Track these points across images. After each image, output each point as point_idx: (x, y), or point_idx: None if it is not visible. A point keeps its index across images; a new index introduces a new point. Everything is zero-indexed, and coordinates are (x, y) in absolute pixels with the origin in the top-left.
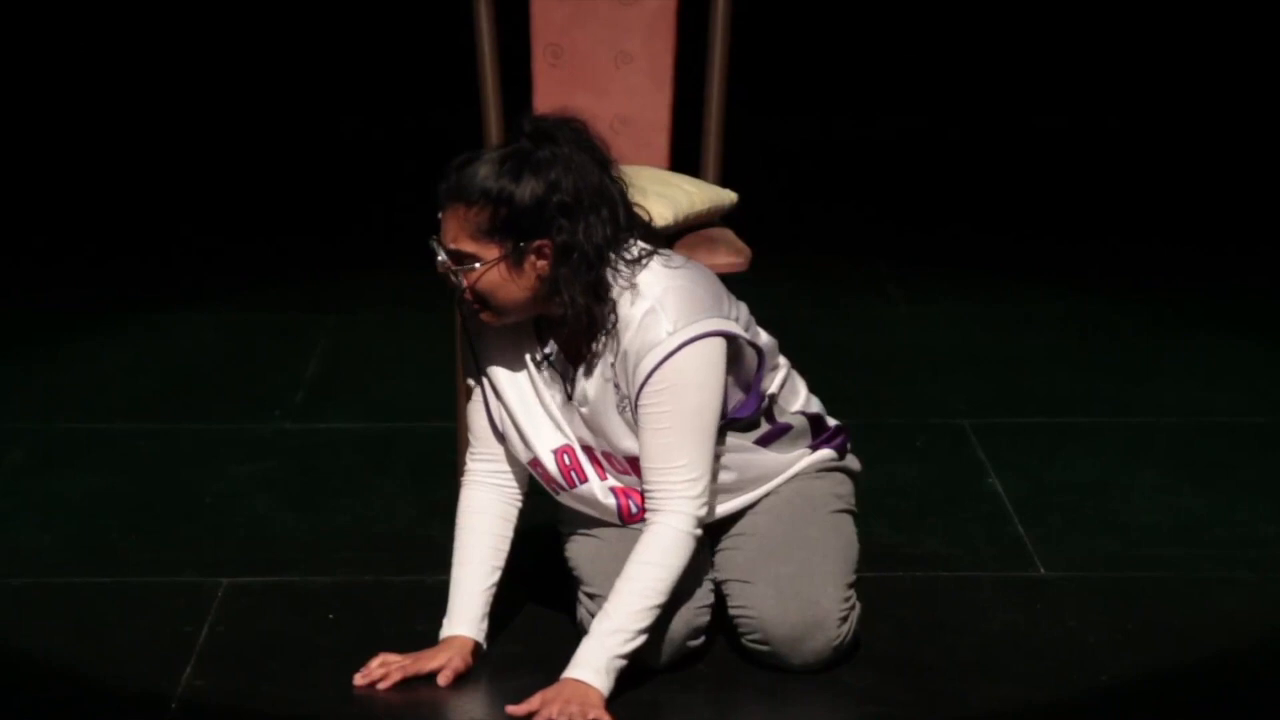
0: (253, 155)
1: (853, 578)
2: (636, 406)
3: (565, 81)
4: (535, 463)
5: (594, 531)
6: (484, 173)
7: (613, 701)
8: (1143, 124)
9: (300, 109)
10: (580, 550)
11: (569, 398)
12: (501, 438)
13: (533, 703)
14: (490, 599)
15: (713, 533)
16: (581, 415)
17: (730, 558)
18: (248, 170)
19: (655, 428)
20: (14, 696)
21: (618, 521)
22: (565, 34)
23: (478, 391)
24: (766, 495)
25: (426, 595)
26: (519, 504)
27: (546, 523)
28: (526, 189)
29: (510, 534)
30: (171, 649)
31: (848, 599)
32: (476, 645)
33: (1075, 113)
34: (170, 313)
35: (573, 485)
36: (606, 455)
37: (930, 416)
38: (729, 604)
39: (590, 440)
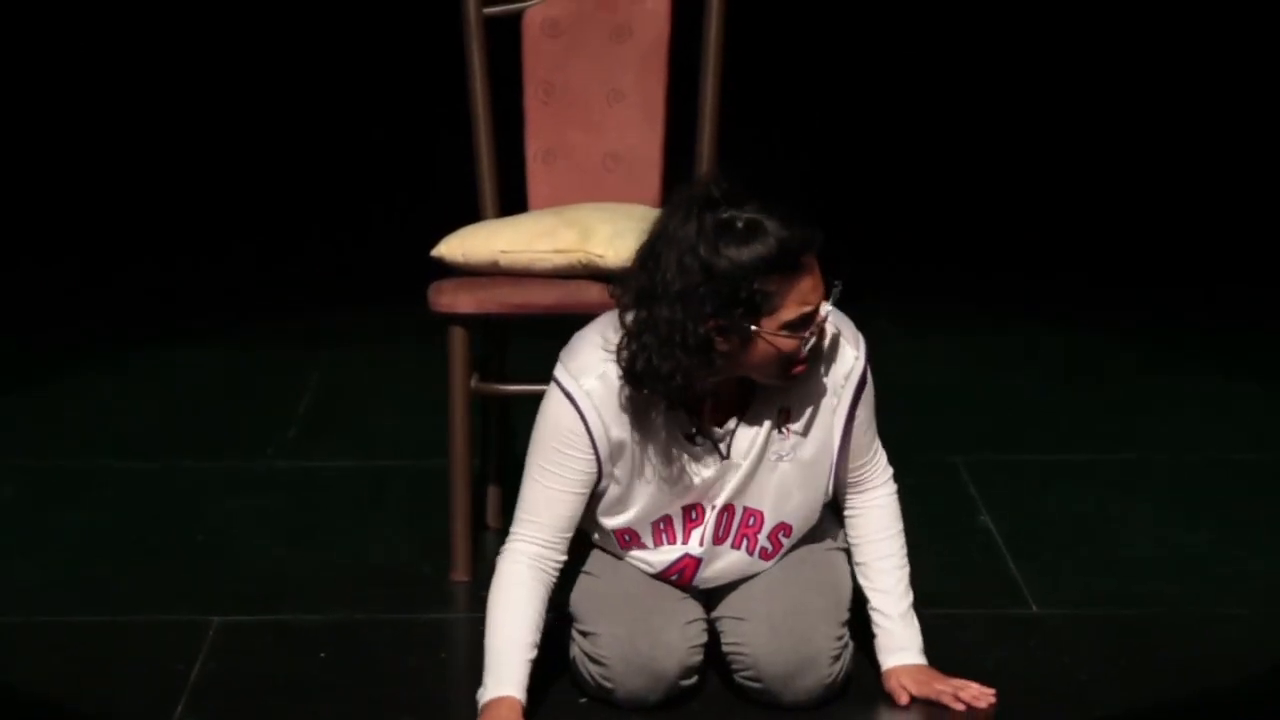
0: (253, 166)
1: (846, 616)
2: (848, 424)
3: (557, 118)
4: (625, 531)
5: (591, 569)
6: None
7: None
8: (1137, 160)
9: (302, 120)
10: (576, 588)
11: (725, 456)
12: (568, 525)
13: (921, 690)
14: (529, 670)
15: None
16: (739, 472)
17: (725, 594)
18: (245, 191)
19: (860, 432)
20: None
21: (652, 574)
22: (558, 71)
23: (551, 476)
24: None
25: (419, 632)
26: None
27: None
28: None
29: (545, 612)
30: (164, 687)
31: (840, 637)
32: (524, 708)
33: (1069, 147)
34: (164, 348)
35: (659, 545)
36: (750, 514)
37: (922, 452)
38: (722, 640)
39: (734, 498)
